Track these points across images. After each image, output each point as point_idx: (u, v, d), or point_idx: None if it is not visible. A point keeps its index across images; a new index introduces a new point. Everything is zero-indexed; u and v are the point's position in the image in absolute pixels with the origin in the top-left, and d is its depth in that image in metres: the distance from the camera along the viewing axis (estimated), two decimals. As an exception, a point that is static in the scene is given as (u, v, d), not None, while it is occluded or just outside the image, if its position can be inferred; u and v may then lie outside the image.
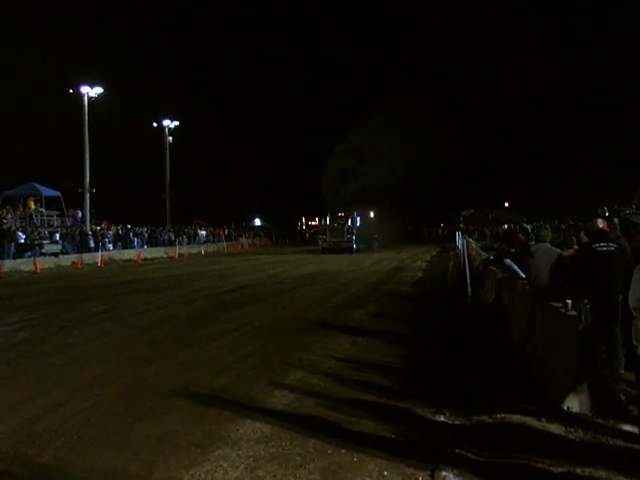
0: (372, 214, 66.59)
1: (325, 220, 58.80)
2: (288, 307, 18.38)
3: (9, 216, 45.00)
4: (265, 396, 8.69)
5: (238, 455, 6.57)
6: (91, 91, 51.10)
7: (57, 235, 45.10)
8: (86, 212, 51.42)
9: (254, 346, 12.36)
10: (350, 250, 53.88)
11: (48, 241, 43.45)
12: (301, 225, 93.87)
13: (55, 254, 41.25)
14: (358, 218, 58.78)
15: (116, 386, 9.43)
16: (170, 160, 66.44)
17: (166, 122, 65.72)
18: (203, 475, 6.12)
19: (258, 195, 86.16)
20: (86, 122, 50.66)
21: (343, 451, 6.62)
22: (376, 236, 63.65)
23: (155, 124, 65.62)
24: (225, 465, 6.32)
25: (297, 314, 16.74)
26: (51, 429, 7.42)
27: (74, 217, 51.47)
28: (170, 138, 65.89)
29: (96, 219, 52.88)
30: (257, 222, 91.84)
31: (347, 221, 57.15)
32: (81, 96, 50.75)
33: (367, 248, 57.54)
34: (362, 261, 40.61)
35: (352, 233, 55.72)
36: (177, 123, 66.38)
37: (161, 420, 7.69)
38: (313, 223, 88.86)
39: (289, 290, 23.20)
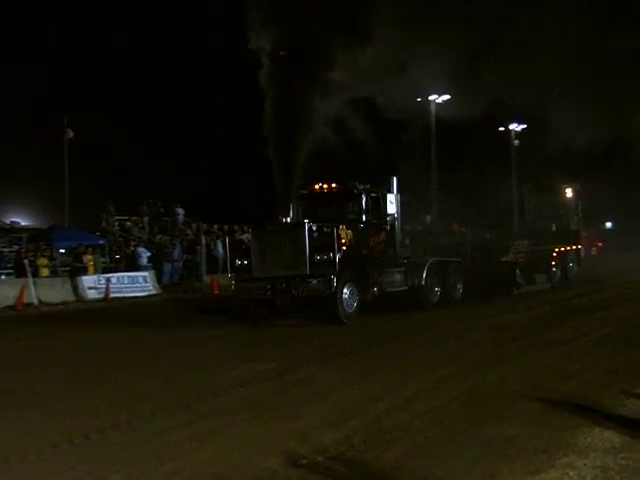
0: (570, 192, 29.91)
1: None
2: (640, 314, 17.36)
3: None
4: (615, 405, 8.27)
5: (585, 464, 6.31)
6: (438, 98, 52.21)
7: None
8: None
9: (603, 353, 11.84)
10: (333, 306, 17.69)
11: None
12: None
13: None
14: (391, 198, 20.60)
15: (461, 388, 9.57)
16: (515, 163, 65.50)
17: (513, 126, 64.78)
18: (548, 482, 6.00)
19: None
20: (434, 130, 51.89)
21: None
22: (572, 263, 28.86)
23: (502, 128, 64.96)
24: (571, 474, 6.11)
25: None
26: (399, 427, 7.71)
27: (423, 222, 52.91)
28: (516, 141, 64.87)
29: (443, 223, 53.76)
30: (608, 225, 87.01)
31: (350, 206, 20.50)
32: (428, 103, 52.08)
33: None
34: None
35: (337, 249, 17.86)
36: (524, 126, 65.02)
37: (506, 424, 7.65)
38: None
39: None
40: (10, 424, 8.59)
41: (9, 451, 7.24)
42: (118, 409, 9.05)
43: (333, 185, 20.40)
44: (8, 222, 40.14)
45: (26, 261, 27.80)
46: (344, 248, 18.38)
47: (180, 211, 38.51)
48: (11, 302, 25.37)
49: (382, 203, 20.22)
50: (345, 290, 17.89)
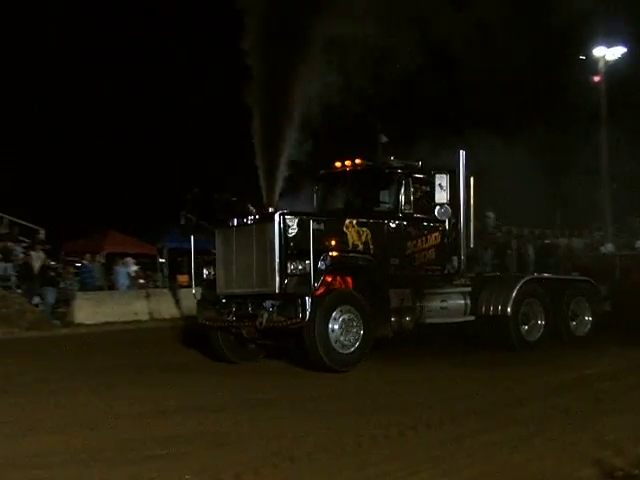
0: None
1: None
2: None
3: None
4: None
5: None
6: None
7: None
8: None
9: None
10: (310, 345, 11.71)
11: None
12: None
13: None
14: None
15: None
16: None
17: None
18: None
19: None
20: None
21: None
22: None
23: None
24: None
25: None
26: None
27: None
28: None
29: None
30: None
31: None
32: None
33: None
34: None
35: (319, 254, 11.84)
36: None
37: None
38: None
39: None
40: (326, 418, 9.13)
41: (326, 443, 7.66)
42: (432, 409, 9.33)
43: (357, 162, 14.20)
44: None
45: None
46: (334, 254, 12.17)
47: (490, 214, 38.33)
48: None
49: (436, 190, 13.59)
50: (335, 315, 11.88)
